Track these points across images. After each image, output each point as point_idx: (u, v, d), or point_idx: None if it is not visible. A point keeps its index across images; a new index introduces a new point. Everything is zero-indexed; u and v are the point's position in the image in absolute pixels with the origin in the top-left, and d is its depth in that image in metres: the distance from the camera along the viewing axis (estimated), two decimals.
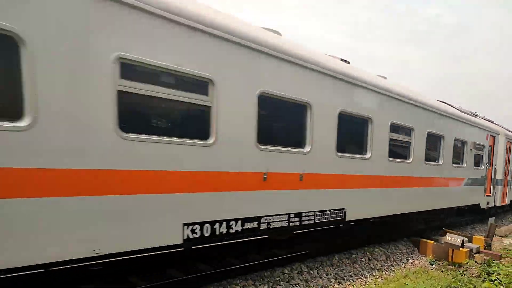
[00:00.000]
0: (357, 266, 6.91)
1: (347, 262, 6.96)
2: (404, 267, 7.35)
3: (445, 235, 8.55)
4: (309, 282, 5.83)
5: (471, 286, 6.01)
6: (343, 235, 7.56)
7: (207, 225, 4.18)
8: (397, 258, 7.83)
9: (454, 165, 9.66)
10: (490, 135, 11.91)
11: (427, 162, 8.37)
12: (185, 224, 3.97)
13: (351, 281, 6.24)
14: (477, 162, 11.20)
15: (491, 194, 12.52)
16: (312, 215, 5.51)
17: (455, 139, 9.63)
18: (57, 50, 2.98)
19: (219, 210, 4.31)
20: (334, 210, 5.89)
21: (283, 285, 5.56)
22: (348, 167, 6.11)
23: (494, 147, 12.37)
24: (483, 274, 6.74)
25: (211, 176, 4.18)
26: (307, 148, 5.28)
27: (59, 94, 3.02)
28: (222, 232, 4.34)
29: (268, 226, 4.87)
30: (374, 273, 6.78)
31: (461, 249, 7.77)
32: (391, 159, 7.09)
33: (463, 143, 10.15)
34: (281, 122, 5.56)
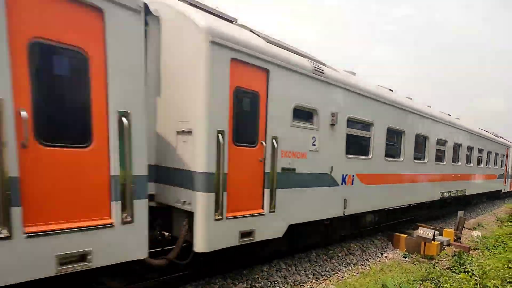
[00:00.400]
0: (334, 261, 7.02)
1: (325, 257, 7.06)
2: (379, 261, 7.54)
3: (417, 229, 8.86)
4: (287, 279, 5.86)
5: (446, 278, 6.21)
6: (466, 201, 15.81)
7: (443, 193, 11.58)
8: (372, 253, 8.04)
9: (494, 167, 18.38)
10: (506, 147, 20.85)
11: (486, 166, 16.83)
12: (441, 192, 11.45)
13: (328, 276, 6.32)
14: (501, 164, 19.91)
15: (506, 184, 21.52)
16: (460, 190, 13.08)
17: (495, 153, 18.17)
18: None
19: (447, 188, 11.92)
20: (463, 189, 13.47)
21: (262, 283, 5.54)
22: (466, 170, 13.58)
23: (507, 155, 21.35)
24: (455, 265, 7.00)
25: (448, 176, 11.96)
26: (460, 163, 12.81)
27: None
28: (445, 196, 11.77)
29: (449, 195, 12.20)
30: (350, 268, 6.90)
31: (432, 242, 8.07)
32: (479, 165, 15.35)
33: (496, 154, 18.58)
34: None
